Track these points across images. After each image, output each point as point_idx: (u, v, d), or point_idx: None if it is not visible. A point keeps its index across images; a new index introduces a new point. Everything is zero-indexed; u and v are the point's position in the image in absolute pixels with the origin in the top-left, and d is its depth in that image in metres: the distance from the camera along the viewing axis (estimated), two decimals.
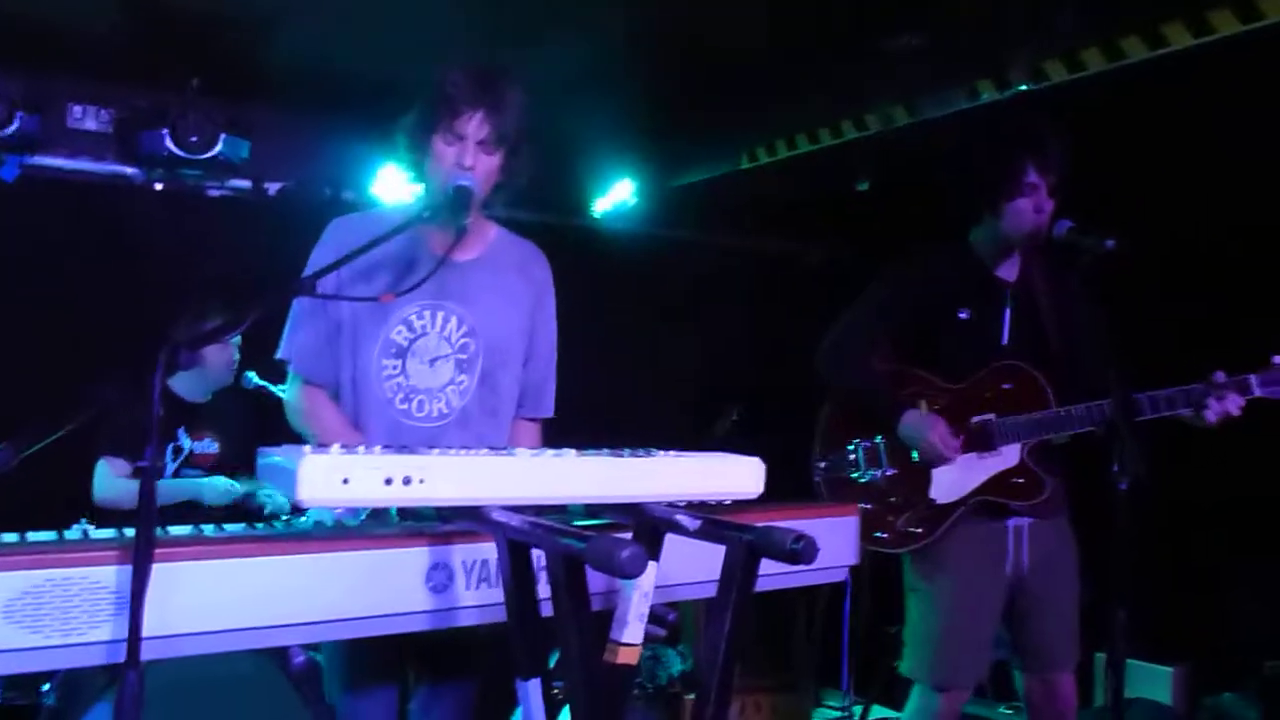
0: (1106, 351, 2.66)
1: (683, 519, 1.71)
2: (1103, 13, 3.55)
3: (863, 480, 3.09)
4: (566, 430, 2.67)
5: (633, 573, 1.35)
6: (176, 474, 4.19)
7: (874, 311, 3.14)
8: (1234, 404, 2.75)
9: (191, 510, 4.05)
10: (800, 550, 1.52)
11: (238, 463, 4.32)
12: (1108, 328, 2.64)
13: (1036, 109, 3.95)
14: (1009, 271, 3.09)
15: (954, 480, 2.99)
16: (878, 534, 3.01)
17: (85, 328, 4.83)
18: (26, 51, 4.47)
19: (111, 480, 4.07)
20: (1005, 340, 3.03)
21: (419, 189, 2.52)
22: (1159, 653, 4.29)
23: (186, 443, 4.21)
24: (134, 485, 4.05)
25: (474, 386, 2.43)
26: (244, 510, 4.18)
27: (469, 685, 2.43)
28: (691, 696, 4.68)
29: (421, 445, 2.23)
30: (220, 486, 4.14)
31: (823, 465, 3.17)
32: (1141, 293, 3.11)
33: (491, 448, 2.22)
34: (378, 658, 2.32)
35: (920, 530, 2.99)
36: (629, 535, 1.78)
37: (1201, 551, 4.22)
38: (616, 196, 5.95)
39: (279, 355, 2.48)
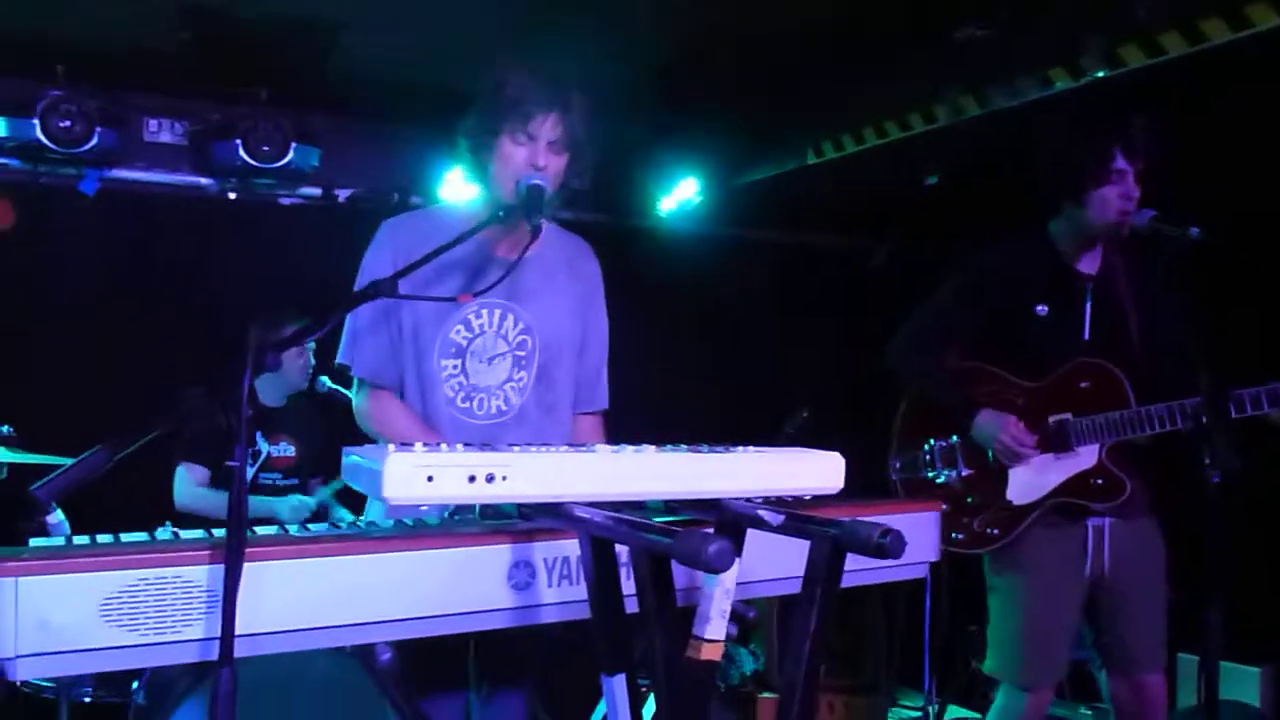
0: (1194, 346, 2.58)
1: (765, 514, 1.69)
2: None
3: (939, 480, 3.05)
4: (634, 430, 2.66)
5: (720, 568, 1.34)
6: (254, 479, 4.28)
7: (949, 306, 3.09)
8: None
9: (268, 524, 4.13)
10: (887, 544, 1.49)
11: (313, 466, 4.40)
12: (1195, 321, 2.57)
13: (1113, 96, 3.85)
14: (1090, 265, 3.01)
15: (1031, 481, 2.93)
16: (955, 535, 2.99)
17: (165, 334, 4.96)
18: (103, 70, 4.60)
19: (192, 489, 4.17)
20: (1086, 336, 2.96)
21: (474, 193, 2.52)
22: (1247, 653, 4.17)
23: (264, 446, 4.30)
24: (212, 494, 4.16)
25: (531, 383, 2.45)
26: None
27: (527, 686, 2.44)
28: (765, 695, 4.65)
29: (491, 442, 2.26)
30: (292, 503, 4.21)
31: (898, 465, 3.16)
32: (1225, 284, 3.01)
33: (569, 445, 2.23)
34: (446, 660, 2.34)
35: (996, 532, 2.94)
36: (710, 531, 1.77)
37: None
38: (681, 195, 5.94)
39: (340, 360, 2.49)
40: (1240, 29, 3.34)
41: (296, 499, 4.25)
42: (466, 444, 1.72)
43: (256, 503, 4.18)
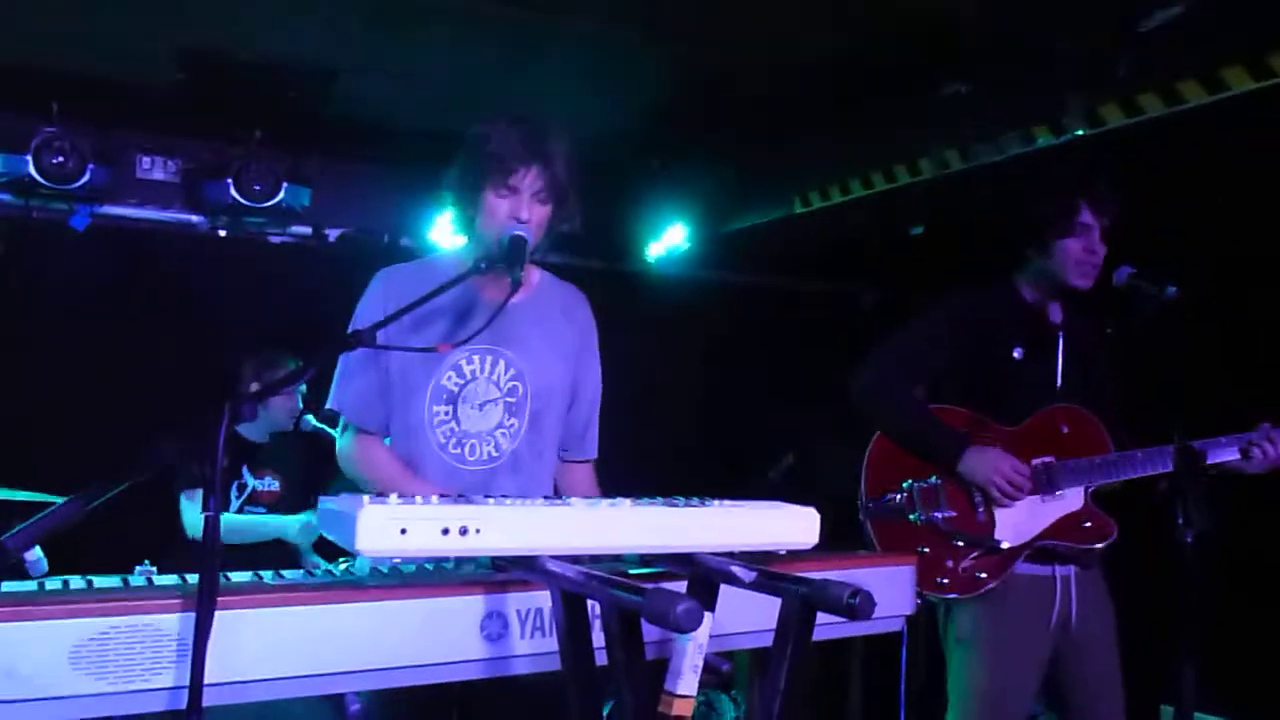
0: (1169, 407, 2.61)
1: (738, 570, 1.70)
2: (1161, 57, 3.52)
3: (919, 521, 2.98)
4: (619, 474, 2.68)
5: (689, 628, 1.35)
6: (240, 511, 4.28)
7: (922, 344, 3.06)
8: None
9: (279, 545, 4.15)
10: (857, 605, 1.51)
11: (297, 502, 4.40)
12: (1169, 380, 2.60)
13: (1093, 153, 3.92)
14: (1055, 314, 3.07)
15: (1019, 523, 2.91)
16: (939, 579, 2.90)
17: (152, 370, 4.95)
18: (97, 107, 4.64)
19: (199, 516, 4.16)
20: (1059, 383, 3.00)
21: (464, 240, 2.55)
22: (1226, 706, 4.17)
23: (250, 480, 4.30)
24: (223, 519, 4.13)
25: (524, 430, 2.45)
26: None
27: None
28: None
29: (475, 490, 2.26)
30: (303, 520, 4.21)
31: (871, 506, 3.03)
32: (1198, 341, 3.05)
33: (546, 496, 2.24)
34: (416, 706, 2.32)
35: (984, 575, 2.91)
36: (684, 584, 1.78)
37: (1270, 599, 4.10)
38: (669, 242, 5.99)
39: (329, 405, 2.51)
40: (1216, 91, 3.41)
41: (307, 516, 4.23)
42: (442, 495, 1.73)
43: (268, 523, 4.20)
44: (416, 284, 2.23)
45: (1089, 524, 2.91)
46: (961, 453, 2.92)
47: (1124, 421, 2.96)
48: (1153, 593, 2.95)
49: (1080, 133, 3.75)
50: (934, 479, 2.99)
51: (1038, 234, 2.97)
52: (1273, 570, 4.03)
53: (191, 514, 4.16)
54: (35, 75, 4.34)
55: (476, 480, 2.40)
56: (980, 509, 2.94)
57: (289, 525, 4.22)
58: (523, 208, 2.33)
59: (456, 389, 2.41)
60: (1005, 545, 2.91)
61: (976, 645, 2.95)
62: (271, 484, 4.36)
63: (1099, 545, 2.90)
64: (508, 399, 2.44)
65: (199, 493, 4.07)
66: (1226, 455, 2.84)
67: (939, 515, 2.96)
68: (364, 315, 2.43)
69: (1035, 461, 2.93)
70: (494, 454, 2.43)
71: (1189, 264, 2.85)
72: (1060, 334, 3.03)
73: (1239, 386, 3.68)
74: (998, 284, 3.10)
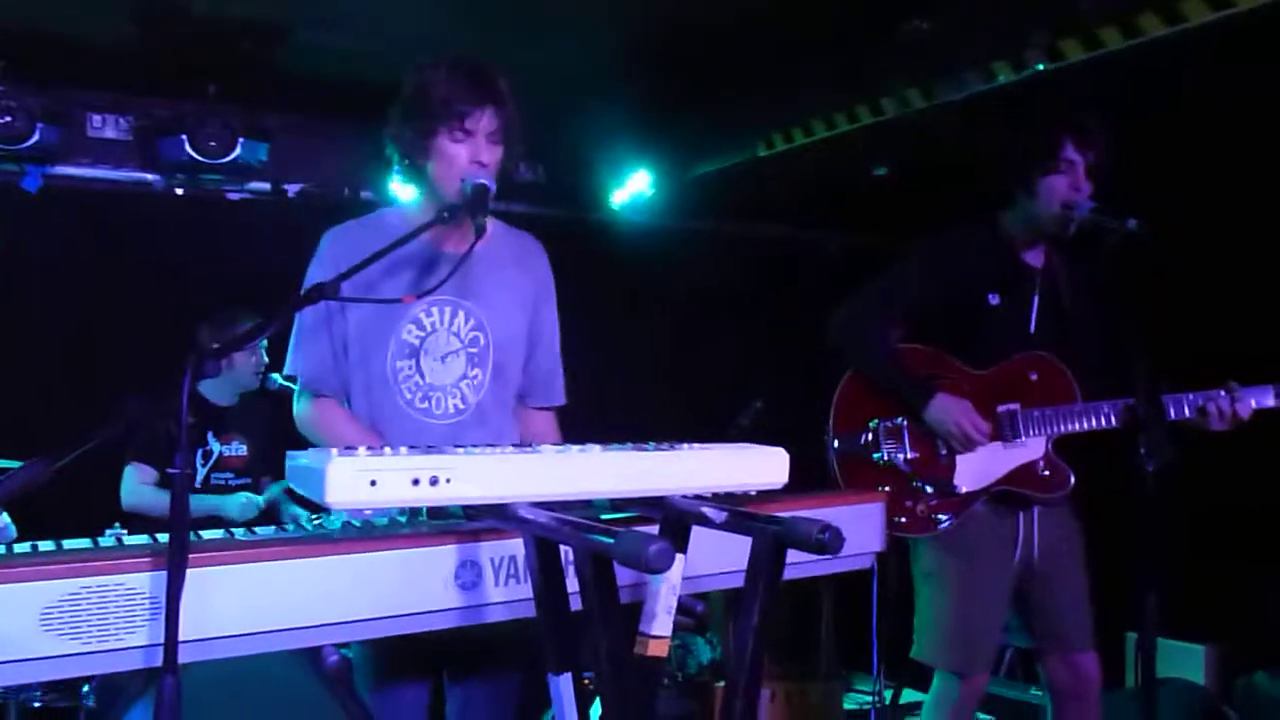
0: (1133, 341, 2.64)
1: (709, 511, 1.72)
2: None
3: (882, 461, 3.02)
4: (586, 424, 2.67)
5: (661, 568, 1.36)
6: (206, 479, 4.24)
7: (901, 286, 3.06)
8: (1245, 409, 2.80)
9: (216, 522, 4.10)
10: (827, 541, 1.52)
11: (265, 464, 4.37)
12: (1132, 315, 2.63)
13: (1076, 88, 3.90)
14: (1035, 259, 3.05)
15: (978, 468, 2.96)
16: (897, 519, 2.95)
17: (111, 332, 4.89)
18: (45, 64, 4.53)
19: (138, 487, 4.13)
20: (1032, 329, 3.01)
21: (413, 190, 2.52)
22: (1191, 632, 4.28)
23: (215, 446, 4.26)
24: (159, 494, 4.12)
25: (488, 381, 2.44)
26: (270, 519, 4.22)
27: (504, 683, 2.43)
28: (721, 684, 4.69)
29: (443, 443, 2.26)
30: (240, 501, 4.18)
31: (837, 444, 3.05)
32: (1161, 279, 3.08)
33: (515, 444, 2.24)
34: (406, 657, 2.34)
35: (940, 518, 2.97)
36: (655, 528, 1.80)
37: (1232, 530, 4.20)
38: (633, 188, 5.95)
39: (287, 371, 2.48)
40: (1175, 23, 3.41)
41: (244, 496, 4.21)
42: (411, 447, 1.73)
43: (204, 501, 4.14)
44: (368, 240, 2.20)
45: (1047, 473, 2.95)
46: (927, 400, 2.95)
47: (1104, 371, 2.94)
48: (1116, 522, 3.01)
49: (1040, 68, 3.75)
50: (899, 420, 3.02)
51: (1022, 172, 2.94)
52: (1233, 501, 4.11)
53: (131, 484, 4.13)
54: None
55: (445, 434, 2.39)
56: (943, 453, 2.98)
57: (227, 503, 4.18)
58: (481, 150, 2.30)
59: (418, 342, 2.39)
60: (963, 490, 2.97)
61: (941, 580, 3.01)
62: (239, 448, 4.33)
63: (1053, 495, 2.95)
64: (469, 350, 2.42)
65: (144, 466, 4.10)
66: (1186, 413, 2.85)
67: (901, 456, 3.01)
68: (316, 276, 2.37)
69: (1000, 408, 2.97)
70: (460, 406, 2.42)
71: (1154, 201, 2.86)
72: (1037, 280, 3.02)
73: (1209, 327, 3.74)
74: (981, 224, 3.08)
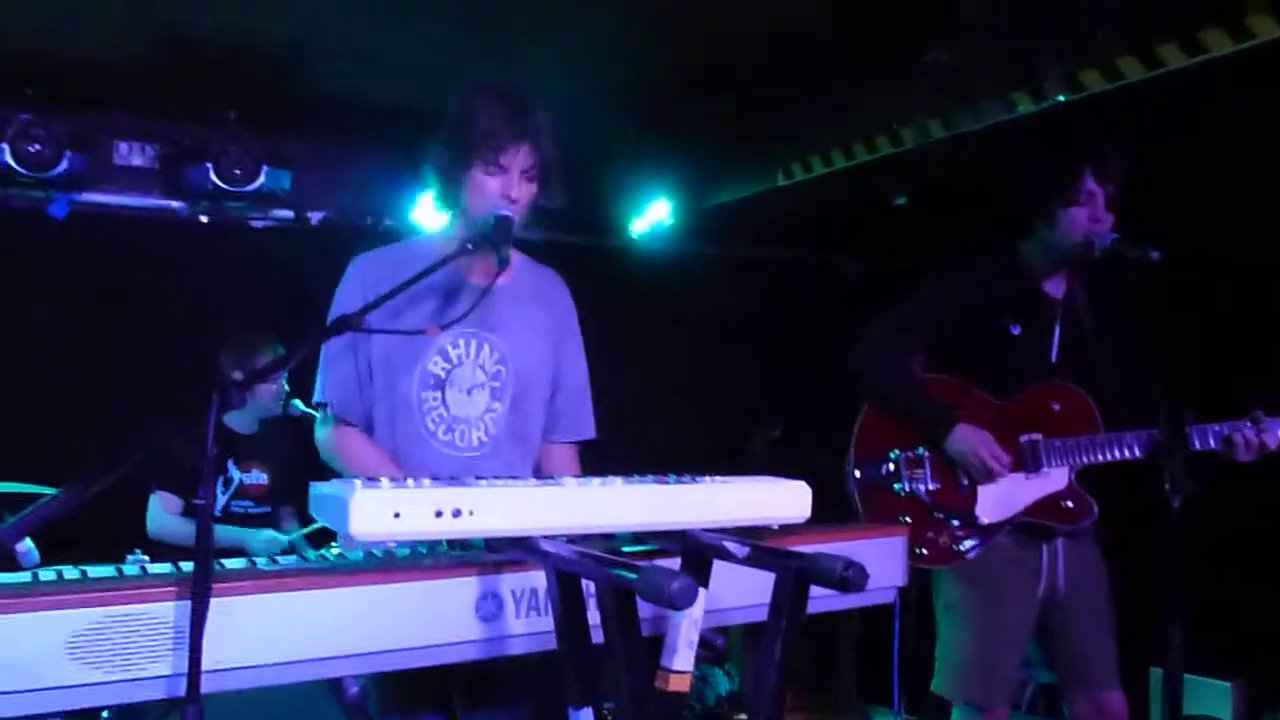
0: (1152, 372, 2.62)
1: (731, 546, 1.71)
2: (1140, 20, 3.52)
3: (903, 492, 2.99)
4: (606, 451, 2.68)
5: (683, 604, 1.36)
6: (226, 507, 4.24)
7: (922, 314, 3.06)
8: (1272, 439, 2.76)
9: (239, 554, 4.10)
10: (851, 578, 1.52)
11: (286, 492, 4.38)
12: (1155, 348, 2.61)
13: (1098, 118, 3.90)
14: (1056, 288, 3.04)
15: (1001, 499, 2.93)
16: (918, 550, 2.92)
17: (136, 358, 4.92)
18: (73, 92, 4.58)
19: (163, 516, 4.15)
20: (1054, 359, 2.99)
21: (446, 218, 2.53)
22: (1217, 668, 4.22)
23: (235, 474, 4.27)
24: (184, 522, 4.13)
25: (505, 414, 2.45)
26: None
27: (516, 714, 2.43)
28: (740, 717, 4.66)
29: (465, 475, 2.26)
30: (265, 538, 4.19)
31: (858, 474, 3.04)
32: (1184, 308, 3.06)
33: (536, 476, 2.24)
34: (418, 688, 2.33)
35: (964, 548, 2.94)
36: (677, 561, 1.79)
37: (1259, 564, 4.15)
38: (653, 217, 5.98)
39: (318, 398, 2.48)
40: (1195, 54, 3.41)
41: (269, 534, 4.21)
42: (434, 478, 1.73)
43: (229, 533, 4.15)
44: (396, 268, 2.22)
45: (1070, 503, 2.93)
46: (948, 429, 2.93)
47: (1127, 400, 2.92)
48: (1141, 556, 2.98)
49: (1061, 99, 3.75)
50: (920, 450, 3.00)
51: (1043, 203, 2.93)
52: (1259, 533, 4.07)
53: (156, 513, 4.14)
54: (8, 61, 4.28)
55: (466, 466, 2.40)
56: (964, 483, 2.96)
57: (251, 538, 4.17)
58: (514, 186, 2.32)
59: (444, 373, 2.40)
60: (985, 521, 2.94)
61: (962, 613, 2.98)
62: (259, 476, 4.33)
63: (1076, 526, 2.92)
64: (493, 383, 2.43)
65: (169, 495, 4.11)
66: (1211, 444, 2.81)
67: (922, 487, 2.98)
68: (343, 302, 2.40)
69: (1023, 438, 2.95)
70: (483, 439, 2.43)
71: (1173, 230, 2.85)
72: (1058, 309, 3.01)
73: (1232, 357, 3.71)
74: (1001, 253, 3.07)
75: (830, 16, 3.84)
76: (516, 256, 2.58)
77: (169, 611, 1.59)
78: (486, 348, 2.43)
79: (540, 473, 2.56)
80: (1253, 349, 4.10)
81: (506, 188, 2.32)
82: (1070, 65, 3.78)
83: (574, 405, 2.61)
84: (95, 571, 1.75)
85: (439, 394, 2.40)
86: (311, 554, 4.23)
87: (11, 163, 4.52)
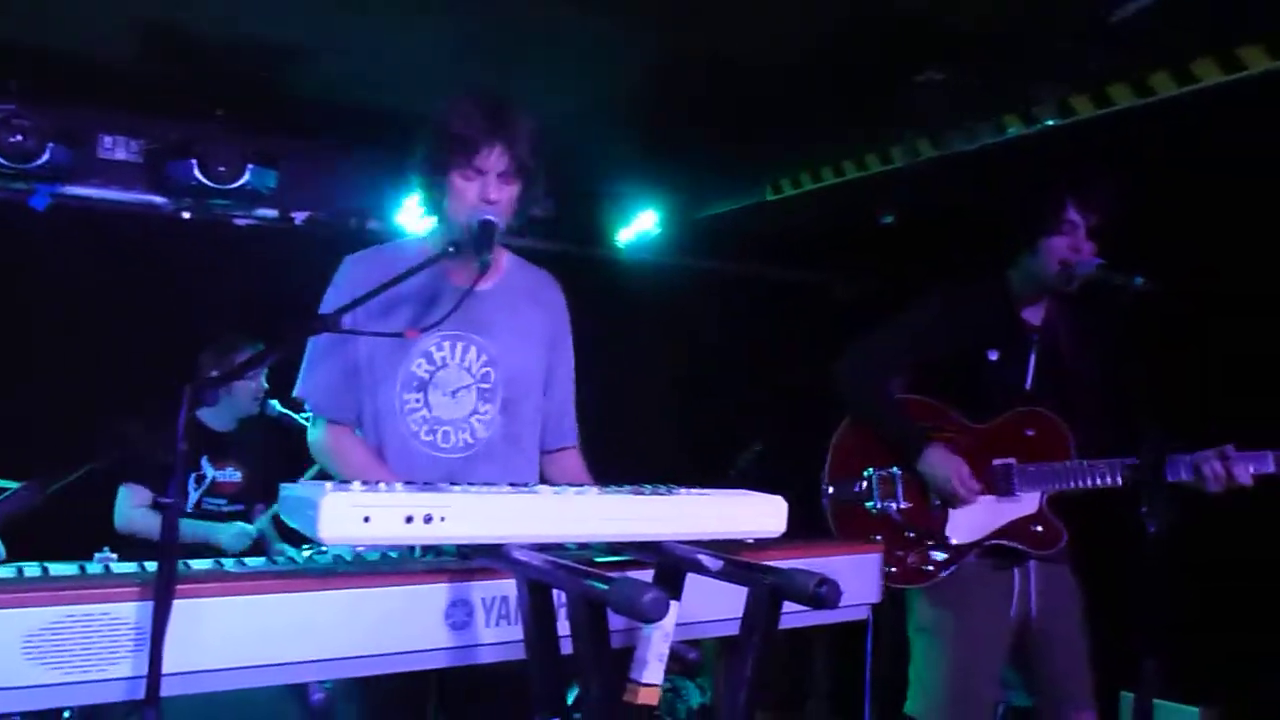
0: (1140, 399, 2.62)
1: (705, 559, 1.69)
2: (1131, 48, 3.54)
3: (875, 510, 3.01)
4: (591, 461, 2.67)
5: (655, 617, 1.34)
6: (199, 503, 4.21)
7: (907, 336, 3.07)
8: (1243, 474, 2.75)
9: (208, 550, 4.06)
10: (824, 595, 1.50)
11: (259, 491, 4.34)
12: (1141, 375, 2.61)
13: (1064, 144, 3.93)
14: (1035, 315, 3.05)
15: (971, 521, 2.94)
16: (889, 568, 2.92)
17: (114, 354, 4.88)
18: (58, 84, 4.55)
19: (131, 509, 4.11)
20: (1029, 385, 3.00)
21: (433, 222, 2.53)
22: (1188, 693, 4.22)
23: (210, 471, 4.23)
24: (152, 516, 4.09)
25: (497, 416, 2.44)
26: (259, 551, 4.18)
27: None
28: None
29: (451, 477, 2.24)
30: (234, 531, 4.15)
31: (831, 491, 3.05)
32: (1170, 337, 3.07)
33: (513, 484, 2.22)
34: (393, 696, 2.30)
35: (931, 569, 2.95)
36: (650, 573, 1.77)
37: (1229, 591, 4.16)
38: (640, 227, 5.97)
39: (296, 393, 2.48)
40: (1186, 83, 3.43)
41: (238, 527, 4.18)
42: (408, 483, 1.71)
43: (198, 528, 4.11)
44: (383, 269, 2.21)
45: (1040, 528, 2.93)
46: (920, 450, 2.94)
47: (1105, 427, 2.92)
48: (1114, 580, 2.98)
49: (1050, 123, 3.77)
50: (894, 469, 3.02)
51: (1025, 231, 2.95)
52: (1229, 560, 4.08)
53: (124, 506, 4.10)
54: None
55: (454, 468, 2.38)
56: (935, 504, 2.97)
57: (220, 532, 4.14)
58: (490, 189, 2.31)
59: (427, 376, 2.39)
60: (954, 541, 2.95)
61: (935, 634, 2.98)
62: (233, 474, 4.29)
63: (1045, 551, 2.92)
64: (480, 385, 2.42)
65: (138, 487, 4.07)
66: (1183, 474, 2.80)
67: (894, 506, 2.99)
68: (331, 301, 2.40)
69: (996, 462, 2.95)
70: (470, 441, 2.41)
71: (1161, 257, 2.85)
72: (1036, 337, 3.02)
73: (1218, 386, 3.72)
74: (987, 279, 3.08)
75: (825, 34, 3.85)
76: (509, 258, 2.57)
77: (131, 612, 1.55)
78: (473, 350, 2.42)
79: (549, 481, 2.54)
80: (1240, 378, 4.11)
81: (484, 190, 2.31)
82: (1062, 90, 3.79)
83: (564, 409, 2.61)
84: (57, 569, 1.72)
85: (421, 396, 2.39)
86: (279, 544, 4.22)
87: None
